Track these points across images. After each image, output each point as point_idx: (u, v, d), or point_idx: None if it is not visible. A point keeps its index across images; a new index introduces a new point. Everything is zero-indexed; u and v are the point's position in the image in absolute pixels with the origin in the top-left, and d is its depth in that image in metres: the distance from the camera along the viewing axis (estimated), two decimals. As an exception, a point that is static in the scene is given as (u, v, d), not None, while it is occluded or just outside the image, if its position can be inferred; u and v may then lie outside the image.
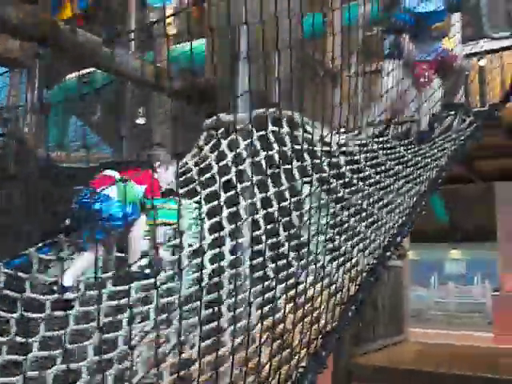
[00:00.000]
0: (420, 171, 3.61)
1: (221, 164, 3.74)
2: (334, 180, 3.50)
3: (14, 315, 2.52)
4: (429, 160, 3.80)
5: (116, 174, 2.96)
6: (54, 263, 3.06)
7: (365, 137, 4.28)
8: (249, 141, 3.73)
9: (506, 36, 4.68)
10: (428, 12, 4.57)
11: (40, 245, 3.20)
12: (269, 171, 3.52)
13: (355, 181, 3.57)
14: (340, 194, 3.29)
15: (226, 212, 3.39)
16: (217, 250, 3.15)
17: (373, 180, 3.59)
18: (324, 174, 3.44)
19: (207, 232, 3.36)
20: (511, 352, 8.76)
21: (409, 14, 4.57)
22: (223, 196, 3.44)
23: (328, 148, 3.71)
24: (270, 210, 3.33)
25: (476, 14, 5.10)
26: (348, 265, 2.52)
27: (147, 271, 3.04)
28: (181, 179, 3.68)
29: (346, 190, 3.37)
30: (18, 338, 2.41)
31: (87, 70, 8.20)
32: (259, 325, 2.23)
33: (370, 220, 3.06)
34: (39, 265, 3.06)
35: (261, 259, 2.66)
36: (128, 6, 7.54)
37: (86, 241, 2.92)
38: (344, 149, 3.95)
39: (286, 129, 3.92)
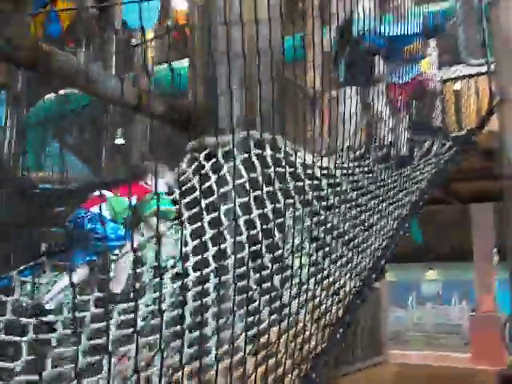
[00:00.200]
0: (401, 194, 3.67)
1: (204, 186, 3.75)
2: (317, 202, 3.54)
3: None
4: (410, 183, 3.87)
5: (108, 193, 2.96)
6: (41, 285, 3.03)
7: (345, 160, 4.34)
8: (231, 164, 3.75)
9: (481, 63, 4.82)
10: (400, 35, 4.66)
11: (22, 267, 3.16)
12: (252, 194, 3.55)
13: (337, 203, 3.61)
14: (323, 217, 3.32)
15: (209, 234, 3.40)
16: (198, 272, 3.15)
17: (355, 203, 3.64)
18: (307, 197, 3.48)
19: (190, 253, 3.36)
20: (487, 372, 8.83)
21: (381, 37, 4.65)
22: (206, 218, 3.45)
23: (310, 171, 3.76)
24: (253, 232, 3.35)
25: (453, 41, 5.24)
26: (334, 287, 2.54)
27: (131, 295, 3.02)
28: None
29: (329, 213, 3.40)
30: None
31: (66, 91, 8.19)
32: (244, 349, 2.23)
33: (353, 242, 3.10)
34: (21, 287, 3.03)
35: (245, 282, 2.67)
36: (109, 28, 7.56)
37: (75, 260, 2.89)
38: (325, 171, 4.00)
39: (268, 151, 3.97)
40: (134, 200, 2.86)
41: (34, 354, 2.59)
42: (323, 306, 2.30)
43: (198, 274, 3.13)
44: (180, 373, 1.77)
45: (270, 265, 2.99)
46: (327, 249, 2.92)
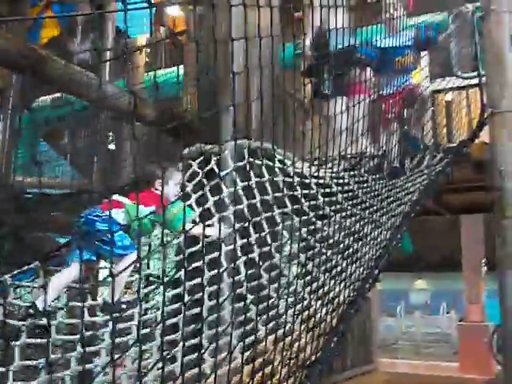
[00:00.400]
0: (394, 205, 3.71)
1: (198, 194, 3.77)
2: (311, 212, 3.57)
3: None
4: (402, 194, 3.91)
5: (125, 200, 2.94)
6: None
7: (338, 169, 4.38)
8: (227, 171, 3.78)
9: (473, 76, 4.89)
10: (391, 47, 4.73)
11: (15, 272, 3.16)
12: (246, 202, 3.57)
13: (331, 212, 3.64)
14: (317, 226, 3.35)
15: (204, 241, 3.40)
16: (197, 280, 3.16)
17: (349, 212, 3.67)
18: (301, 206, 3.51)
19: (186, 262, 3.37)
20: (476, 381, 8.89)
21: (373, 48, 4.71)
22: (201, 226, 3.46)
23: (304, 180, 3.79)
24: (248, 240, 3.37)
25: (445, 54, 5.31)
26: (328, 296, 2.56)
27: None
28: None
29: (323, 222, 3.43)
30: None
31: (58, 94, 8.18)
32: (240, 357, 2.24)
33: (347, 252, 3.13)
34: (14, 291, 3.02)
35: (240, 290, 2.69)
36: (103, 34, 7.58)
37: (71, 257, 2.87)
38: (319, 181, 4.03)
39: (263, 160, 3.99)
40: (152, 209, 2.80)
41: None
42: (318, 315, 2.33)
43: (194, 282, 3.13)
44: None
45: (264, 273, 3.01)
46: (322, 258, 2.95)
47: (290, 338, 2.14)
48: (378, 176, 4.37)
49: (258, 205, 3.59)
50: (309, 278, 2.84)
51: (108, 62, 7.46)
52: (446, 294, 14.46)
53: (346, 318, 2.39)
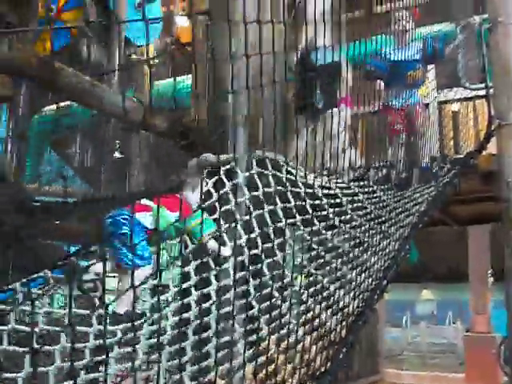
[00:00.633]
0: (402, 216, 3.72)
1: (206, 203, 3.78)
2: (318, 222, 3.57)
3: None
4: (410, 205, 3.92)
5: (151, 203, 2.94)
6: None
7: (346, 180, 4.40)
8: (235, 181, 3.79)
9: (480, 87, 4.91)
10: (402, 60, 4.76)
11: (24, 280, 3.17)
12: (254, 212, 3.58)
13: (338, 223, 3.65)
14: (323, 236, 3.36)
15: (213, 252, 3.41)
16: (203, 290, 3.17)
17: (356, 223, 3.67)
18: (308, 216, 3.51)
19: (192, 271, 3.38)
20: (483, 393, 8.83)
21: (384, 61, 4.74)
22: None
23: (311, 190, 3.80)
24: (255, 250, 3.38)
25: (452, 65, 5.34)
26: (335, 307, 2.57)
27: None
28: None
29: (330, 233, 3.44)
30: None
31: (66, 103, 8.22)
32: (248, 366, 2.25)
33: (354, 262, 3.13)
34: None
35: (246, 299, 2.69)
36: (112, 43, 7.63)
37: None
38: (326, 191, 4.04)
39: (270, 170, 4.01)
40: (176, 215, 2.80)
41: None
42: (328, 325, 2.33)
43: (200, 292, 3.14)
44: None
45: (271, 283, 3.02)
46: (330, 268, 2.96)
47: (299, 347, 2.15)
48: (386, 187, 4.38)
49: (267, 215, 3.60)
50: (317, 287, 2.85)
51: (117, 72, 7.52)
52: (452, 305, 14.39)
53: (354, 329, 2.39)
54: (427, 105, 5.20)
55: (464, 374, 10.21)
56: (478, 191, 5.11)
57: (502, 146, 4.41)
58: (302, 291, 2.60)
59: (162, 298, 3.26)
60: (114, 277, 3.18)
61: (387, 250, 3.17)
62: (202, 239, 2.98)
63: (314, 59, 4.24)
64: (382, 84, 4.77)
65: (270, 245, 3.29)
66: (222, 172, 4.01)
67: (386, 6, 7.22)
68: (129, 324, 2.99)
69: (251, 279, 3.10)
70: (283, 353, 2.20)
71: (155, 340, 2.89)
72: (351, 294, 2.75)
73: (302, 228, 3.45)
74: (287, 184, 3.71)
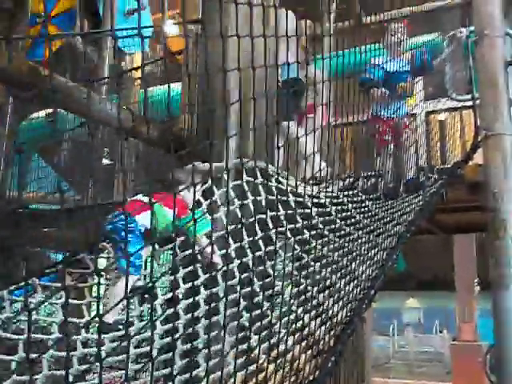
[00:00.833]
0: (390, 225, 3.75)
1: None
2: (307, 231, 3.59)
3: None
4: (398, 214, 3.96)
5: (146, 199, 2.94)
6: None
7: (334, 189, 4.43)
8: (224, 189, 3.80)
9: (467, 98, 4.98)
10: (394, 71, 4.83)
11: (12, 287, 3.16)
12: (243, 221, 3.59)
13: (327, 232, 3.67)
14: (312, 245, 3.38)
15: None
16: (191, 299, 3.17)
17: (344, 232, 3.70)
18: (297, 225, 3.53)
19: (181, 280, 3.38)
20: (469, 402, 8.86)
21: (380, 69, 4.80)
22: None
23: (301, 199, 3.82)
24: (244, 259, 3.39)
25: (439, 76, 5.41)
26: (324, 316, 2.59)
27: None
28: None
29: (319, 241, 3.46)
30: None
31: (54, 110, 8.17)
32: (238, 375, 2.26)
33: (342, 271, 3.16)
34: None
35: (236, 309, 2.70)
36: (101, 51, 7.64)
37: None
38: (316, 200, 4.07)
39: (259, 179, 4.03)
40: (172, 213, 2.81)
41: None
42: (316, 334, 2.35)
43: (190, 300, 3.15)
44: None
45: (260, 292, 3.03)
46: (318, 277, 2.98)
47: (289, 356, 2.16)
48: (374, 196, 4.42)
49: (255, 223, 3.62)
50: (304, 296, 2.86)
51: (107, 80, 7.52)
52: (438, 313, 14.46)
53: (343, 338, 2.41)
54: (415, 115, 5.27)
55: (451, 382, 10.26)
56: (465, 201, 5.16)
57: (489, 157, 4.47)
58: (291, 301, 2.62)
59: (150, 306, 3.27)
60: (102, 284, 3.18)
61: (375, 260, 3.19)
62: (197, 239, 2.99)
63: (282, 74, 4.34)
64: (383, 90, 4.82)
65: (259, 253, 3.31)
66: (210, 181, 4.03)
67: (375, 16, 7.32)
68: (118, 333, 3.00)
69: (240, 288, 3.11)
70: (273, 362, 2.21)
71: (144, 349, 2.89)
72: (340, 304, 2.77)
73: (291, 237, 3.47)
74: (276, 193, 3.73)
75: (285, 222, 3.58)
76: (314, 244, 3.38)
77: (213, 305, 3.12)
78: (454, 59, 5.11)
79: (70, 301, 2.98)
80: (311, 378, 2.13)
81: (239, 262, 3.37)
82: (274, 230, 3.58)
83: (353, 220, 3.89)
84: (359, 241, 3.50)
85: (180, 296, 3.25)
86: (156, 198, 2.92)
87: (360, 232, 3.66)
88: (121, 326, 2.98)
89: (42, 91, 3.96)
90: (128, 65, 8.78)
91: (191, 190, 3.18)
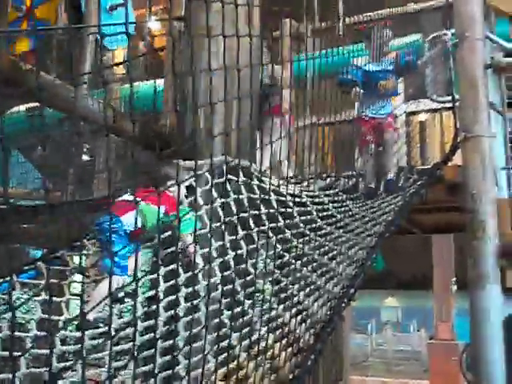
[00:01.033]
0: (369, 225, 3.78)
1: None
2: (288, 230, 3.61)
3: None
4: (378, 214, 4.00)
5: (132, 198, 2.92)
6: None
7: (315, 189, 4.46)
8: (206, 187, 3.80)
9: (447, 100, 5.03)
10: (374, 71, 4.85)
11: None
12: (225, 219, 3.59)
13: (307, 231, 3.69)
14: (293, 244, 3.40)
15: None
16: (172, 297, 3.17)
17: (324, 231, 3.73)
18: (279, 224, 3.55)
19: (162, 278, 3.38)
20: (445, 400, 8.97)
21: (359, 70, 4.83)
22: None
23: (282, 198, 3.84)
24: (225, 257, 3.39)
25: (420, 77, 5.46)
26: (304, 314, 2.61)
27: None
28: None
29: (300, 240, 3.48)
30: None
31: (34, 104, 8.08)
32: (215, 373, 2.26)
33: (322, 270, 3.18)
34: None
35: (216, 306, 2.71)
36: (83, 47, 7.56)
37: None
38: (297, 199, 4.09)
39: (241, 178, 4.03)
40: (162, 210, 2.79)
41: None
42: (296, 332, 2.37)
43: (170, 298, 3.14)
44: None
45: (240, 290, 3.04)
46: (298, 275, 3.00)
47: (269, 354, 2.17)
48: (354, 195, 4.45)
49: (236, 222, 3.62)
50: (285, 294, 2.88)
51: (87, 75, 7.45)
52: (417, 312, 14.59)
53: (322, 337, 2.43)
54: (396, 116, 5.31)
55: (428, 380, 10.37)
56: (444, 201, 5.21)
57: (467, 158, 4.52)
58: (271, 298, 2.63)
59: (131, 304, 3.26)
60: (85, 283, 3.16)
61: (355, 259, 3.22)
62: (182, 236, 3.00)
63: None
64: (360, 91, 4.84)
65: (240, 251, 3.32)
66: (192, 179, 4.02)
67: (353, 18, 7.38)
68: (97, 330, 2.98)
69: (222, 285, 3.12)
70: (253, 359, 2.22)
71: (125, 346, 2.89)
72: (319, 302, 2.79)
73: (271, 235, 3.48)
74: (258, 191, 3.74)
75: (266, 221, 3.60)
76: (295, 243, 3.40)
77: (194, 302, 3.12)
78: (436, 61, 5.16)
79: (49, 298, 2.96)
80: (291, 376, 2.15)
81: (220, 260, 3.38)
82: (255, 229, 3.59)
83: (333, 219, 3.92)
84: (339, 240, 3.52)
85: (161, 295, 3.24)
86: (144, 195, 2.91)
87: (340, 231, 3.69)
88: (101, 324, 2.97)
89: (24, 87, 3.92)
90: (110, 60, 8.70)
91: (181, 187, 3.20)
